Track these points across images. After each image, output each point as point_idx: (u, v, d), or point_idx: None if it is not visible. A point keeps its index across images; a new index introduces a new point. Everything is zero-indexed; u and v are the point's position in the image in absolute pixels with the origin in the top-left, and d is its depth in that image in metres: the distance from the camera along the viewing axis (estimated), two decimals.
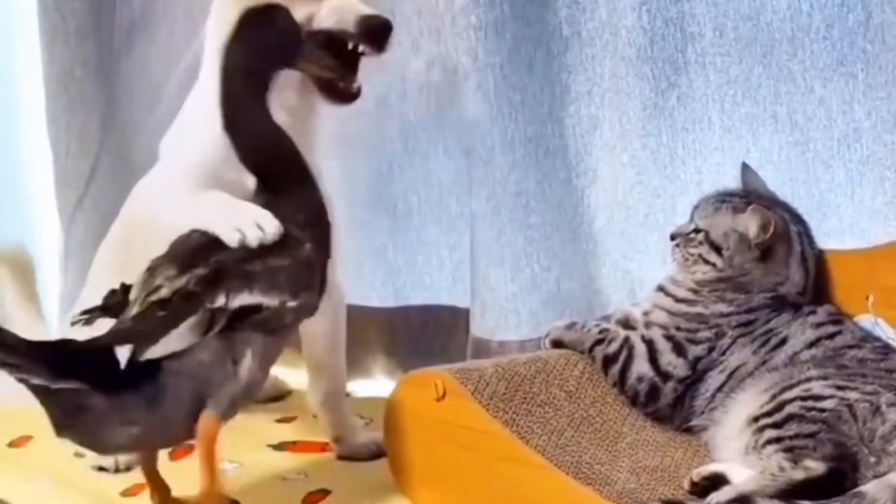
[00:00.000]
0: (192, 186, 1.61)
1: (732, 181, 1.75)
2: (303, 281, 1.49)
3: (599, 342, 1.68)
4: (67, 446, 1.77)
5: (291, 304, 1.47)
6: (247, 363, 1.44)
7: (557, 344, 1.72)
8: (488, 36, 1.83)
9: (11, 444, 1.80)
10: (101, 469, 1.71)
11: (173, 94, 2.06)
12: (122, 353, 1.37)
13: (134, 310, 1.43)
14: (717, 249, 1.66)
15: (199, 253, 1.47)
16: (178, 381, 1.41)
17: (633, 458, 1.57)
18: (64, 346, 1.40)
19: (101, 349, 1.38)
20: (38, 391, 1.37)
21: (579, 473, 1.52)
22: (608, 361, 1.67)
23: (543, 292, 1.91)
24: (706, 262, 1.67)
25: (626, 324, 1.72)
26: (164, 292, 1.43)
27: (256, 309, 1.44)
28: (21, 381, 1.36)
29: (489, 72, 1.84)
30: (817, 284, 1.68)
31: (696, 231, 1.68)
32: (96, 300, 1.77)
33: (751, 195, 1.69)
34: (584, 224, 1.94)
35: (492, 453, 1.52)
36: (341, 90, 1.66)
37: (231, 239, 1.48)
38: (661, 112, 1.87)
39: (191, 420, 1.43)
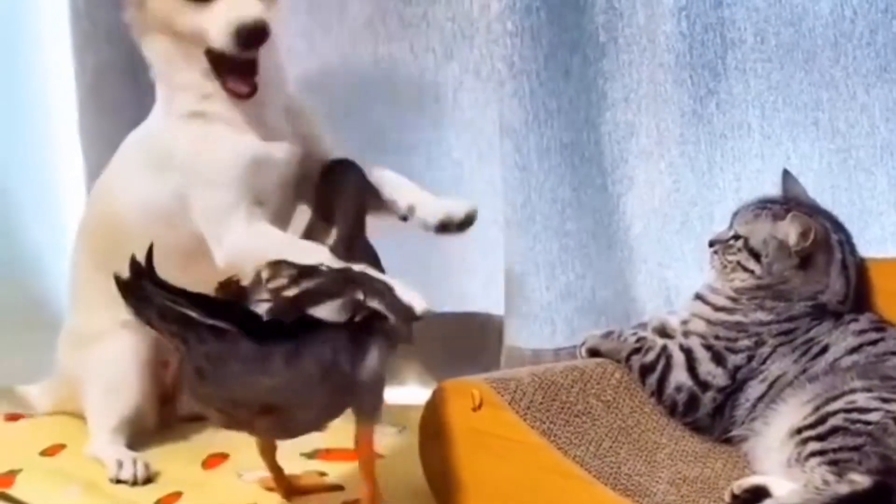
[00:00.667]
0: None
1: (772, 188, 1.74)
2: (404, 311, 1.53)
3: (636, 351, 1.67)
4: None
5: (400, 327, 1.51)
6: (372, 361, 1.48)
7: (594, 352, 1.70)
8: (524, 42, 1.82)
9: (44, 453, 1.80)
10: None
11: None
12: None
13: (274, 283, 1.47)
14: (756, 256, 1.64)
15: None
16: (315, 347, 1.44)
17: (672, 469, 1.55)
18: (209, 297, 1.44)
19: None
20: (188, 329, 1.39)
21: (618, 485, 1.50)
22: (646, 371, 1.65)
23: (579, 300, 1.89)
24: (745, 269, 1.65)
25: (663, 332, 1.70)
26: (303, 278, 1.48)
27: (383, 318, 1.48)
28: (179, 315, 1.37)
29: (525, 78, 1.83)
30: (859, 292, 1.67)
31: (736, 238, 1.66)
32: (91, 320, 1.79)
33: (791, 202, 1.67)
34: (620, 231, 1.92)
35: (529, 464, 1.51)
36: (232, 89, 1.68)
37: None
38: (699, 119, 1.85)
39: (322, 405, 1.48)
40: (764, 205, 1.67)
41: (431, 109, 1.99)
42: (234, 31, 1.63)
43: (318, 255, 1.58)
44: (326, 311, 1.44)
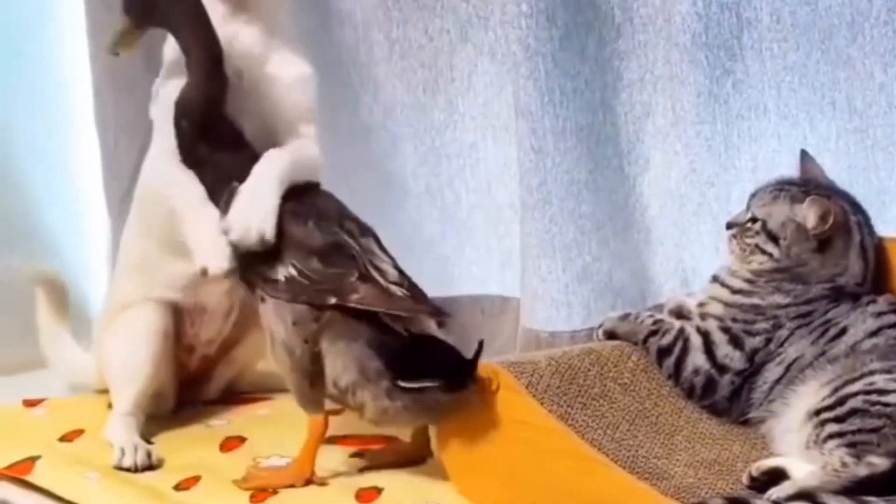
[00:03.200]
0: None
1: (788, 169, 1.72)
2: None
3: (654, 333, 1.66)
4: None
5: None
6: None
7: (611, 335, 1.70)
8: (539, 23, 1.80)
9: (63, 439, 1.80)
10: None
11: None
12: None
13: None
14: (774, 239, 1.63)
15: None
16: None
17: (689, 452, 1.55)
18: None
19: None
20: None
21: (636, 468, 1.50)
22: (663, 353, 1.65)
23: (595, 282, 1.88)
24: (763, 252, 1.64)
25: (680, 314, 1.70)
26: None
27: None
28: None
29: (540, 60, 1.82)
30: (877, 273, 1.66)
31: (753, 220, 1.65)
32: (121, 291, 1.80)
33: (809, 184, 1.66)
34: (636, 213, 1.91)
35: (547, 448, 1.50)
36: None
37: None
38: (715, 99, 1.84)
39: None
40: (782, 186, 1.66)
41: (446, 92, 1.98)
42: None
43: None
44: None
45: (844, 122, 1.79)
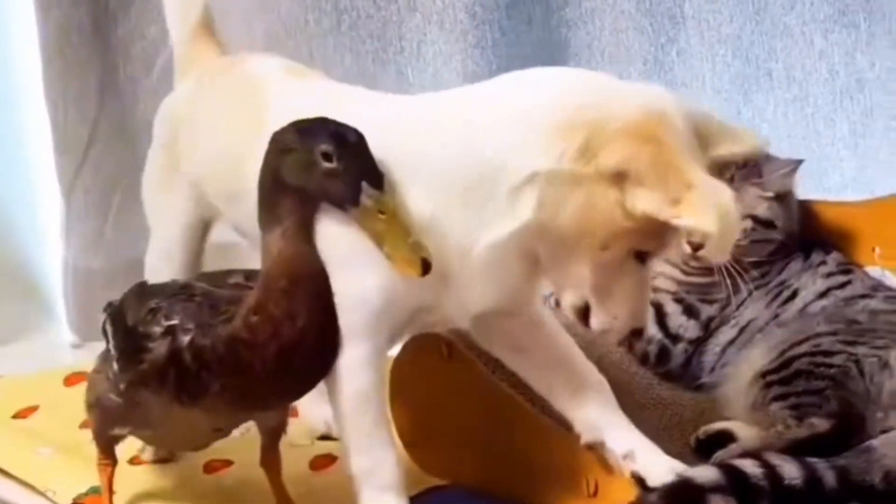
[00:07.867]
0: None
1: None
2: None
3: None
4: (73, 416, 1.78)
5: None
6: None
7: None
8: None
9: (16, 416, 1.79)
10: None
11: (170, 56, 2.04)
12: None
13: None
14: (769, 224, 1.62)
15: None
16: None
17: (640, 418, 1.55)
18: None
19: None
20: None
21: None
22: None
23: None
24: (766, 241, 1.62)
25: None
26: None
27: None
28: None
29: (487, 28, 1.82)
30: (822, 236, 1.66)
31: None
32: None
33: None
34: None
35: (497, 415, 1.51)
36: None
37: None
38: (661, 67, 1.85)
39: None
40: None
41: (396, 62, 1.98)
42: None
43: None
44: None
45: (783, 91, 1.79)
